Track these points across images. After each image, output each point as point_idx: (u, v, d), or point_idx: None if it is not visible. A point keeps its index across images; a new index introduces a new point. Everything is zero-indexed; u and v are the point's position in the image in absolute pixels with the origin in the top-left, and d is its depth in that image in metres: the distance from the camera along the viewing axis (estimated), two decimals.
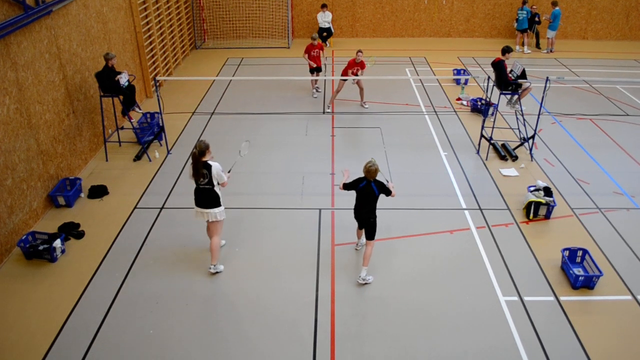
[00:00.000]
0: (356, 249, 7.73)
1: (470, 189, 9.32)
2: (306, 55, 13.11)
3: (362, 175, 6.85)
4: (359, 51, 11.91)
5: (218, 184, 6.90)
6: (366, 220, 6.98)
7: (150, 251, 7.71)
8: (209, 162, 6.81)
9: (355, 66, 12.04)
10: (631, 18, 18.70)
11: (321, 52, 13.17)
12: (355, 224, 7.43)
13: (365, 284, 7.02)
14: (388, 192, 6.87)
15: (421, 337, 6.23)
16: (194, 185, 6.99)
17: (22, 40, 7.95)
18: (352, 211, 7.16)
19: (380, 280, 7.10)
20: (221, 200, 7.01)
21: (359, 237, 7.72)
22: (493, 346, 6.09)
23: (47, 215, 8.54)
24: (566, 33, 18.77)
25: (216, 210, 6.98)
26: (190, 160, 6.90)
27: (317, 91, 13.76)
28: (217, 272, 7.24)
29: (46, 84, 8.66)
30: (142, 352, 6.00)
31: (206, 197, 6.92)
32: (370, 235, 7.04)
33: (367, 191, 6.82)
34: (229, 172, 7.05)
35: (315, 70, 13.29)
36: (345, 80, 12.30)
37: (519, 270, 7.32)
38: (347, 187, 6.97)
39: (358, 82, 12.45)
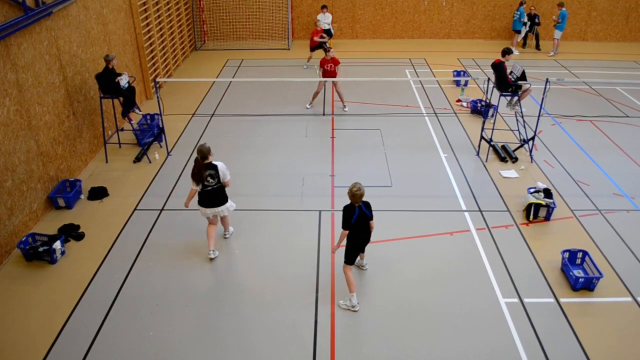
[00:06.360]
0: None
1: (470, 190, 9.31)
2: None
3: (349, 200, 6.32)
4: (329, 49, 12.45)
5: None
6: (367, 239, 6.71)
7: (150, 253, 7.71)
8: (213, 162, 7.10)
9: (327, 62, 12.20)
10: (631, 19, 18.71)
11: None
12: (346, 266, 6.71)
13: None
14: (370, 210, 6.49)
15: (421, 338, 6.23)
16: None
17: (22, 41, 7.95)
18: (350, 248, 6.60)
19: (380, 281, 7.10)
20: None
21: (352, 289, 6.61)
22: (493, 348, 6.08)
23: (47, 216, 8.54)
24: (566, 34, 18.75)
25: (227, 204, 7.41)
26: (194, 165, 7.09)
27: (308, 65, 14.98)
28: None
29: (46, 86, 8.66)
30: (142, 354, 6.00)
31: (217, 196, 7.24)
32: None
33: (362, 219, 6.39)
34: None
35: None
36: (325, 81, 12.47)
37: (519, 271, 7.32)
38: (345, 227, 6.39)
39: (335, 85, 12.58)
